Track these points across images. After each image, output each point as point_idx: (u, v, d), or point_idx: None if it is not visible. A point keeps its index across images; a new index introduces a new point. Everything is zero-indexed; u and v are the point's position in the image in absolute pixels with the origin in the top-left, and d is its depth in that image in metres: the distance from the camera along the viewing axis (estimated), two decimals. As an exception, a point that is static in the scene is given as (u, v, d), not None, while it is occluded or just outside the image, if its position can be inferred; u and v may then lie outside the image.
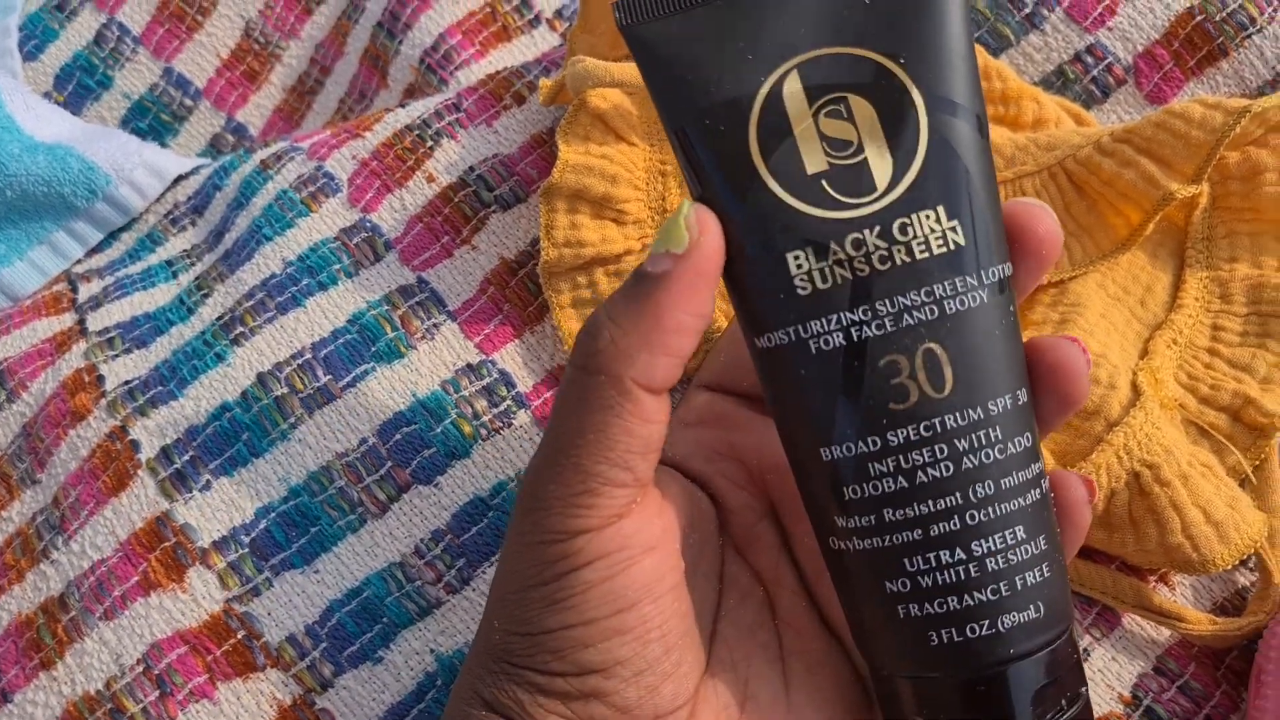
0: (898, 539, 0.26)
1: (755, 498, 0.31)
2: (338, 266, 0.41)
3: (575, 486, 0.26)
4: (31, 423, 0.40)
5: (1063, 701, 0.26)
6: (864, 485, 0.26)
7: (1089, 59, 0.43)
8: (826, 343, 0.25)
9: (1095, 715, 0.34)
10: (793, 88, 0.26)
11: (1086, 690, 0.27)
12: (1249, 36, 0.42)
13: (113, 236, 0.49)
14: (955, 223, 0.25)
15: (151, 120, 0.57)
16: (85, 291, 0.45)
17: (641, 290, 0.25)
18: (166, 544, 0.36)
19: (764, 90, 0.26)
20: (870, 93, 0.26)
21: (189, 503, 0.37)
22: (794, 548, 0.31)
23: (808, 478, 0.27)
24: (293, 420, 0.38)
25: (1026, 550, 0.26)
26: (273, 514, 0.36)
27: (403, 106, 0.46)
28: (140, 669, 0.34)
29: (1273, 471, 0.37)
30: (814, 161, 0.26)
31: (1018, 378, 0.26)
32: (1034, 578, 0.26)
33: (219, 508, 0.37)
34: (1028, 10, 0.43)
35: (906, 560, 0.26)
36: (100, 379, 0.40)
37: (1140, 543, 0.34)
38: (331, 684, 0.34)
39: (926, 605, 0.26)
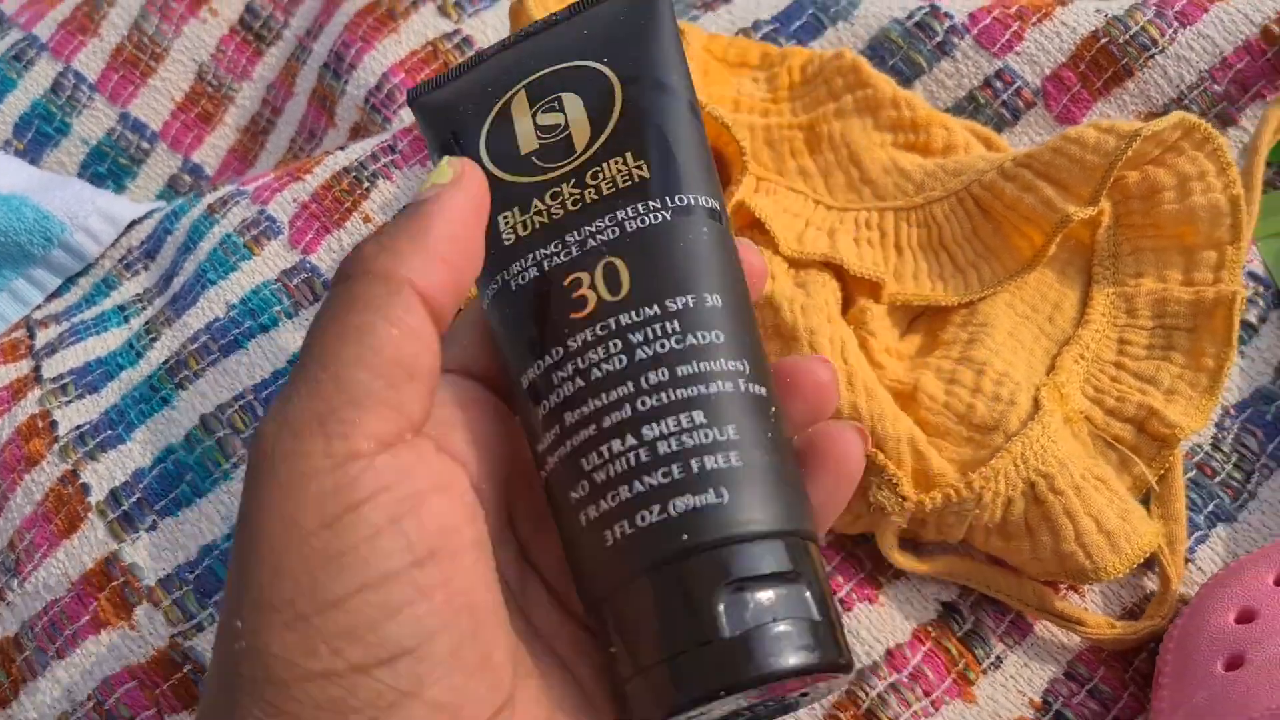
0: (576, 441, 0.26)
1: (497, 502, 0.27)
2: (278, 308, 0.42)
3: (335, 400, 0.22)
4: (-11, 468, 0.42)
5: (771, 618, 0.24)
6: (550, 397, 0.27)
7: (998, 83, 0.45)
8: (523, 279, 0.28)
9: (1000, 715, 0.36)
10: (519, 101, 0.30)
11: (828, 637, 0.24)
12: (1152, 57, 0.44)
13: (70, 282, 0.51)
14: (641, 162, 0.29)
15: (110, 164, 0.58)
16: (42, 338, 0.47)
17: (409, 209, 0.25)
18: (115, 583, 0.38)
19: (496, 107, 0.30)
20: (579, 87, 0.30)
21: (136, 543, 0.38)
22: (534, 560, 0.28)
23: (521, 413, 0.28)
24: (235, 460, 0.39)
25: (708, 435, 0.25)
26: (215, 552, 0.38)
27: (342, 149, 0.47)
28: (91, 704, 0.36)
29: (1176, 481, 0.38)
30: (527, 145, 0.30)
31: (706, 285, 0.27)
32: (715, 463, 0.25)
33: (164, 547, 0.38)
34: (938, 38, 0.45)
35: (584, 460, 0.26)
36: (53, 424, 0.42)
37: (1035, 550, 0.35)
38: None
39: (601, 503, 0.25)
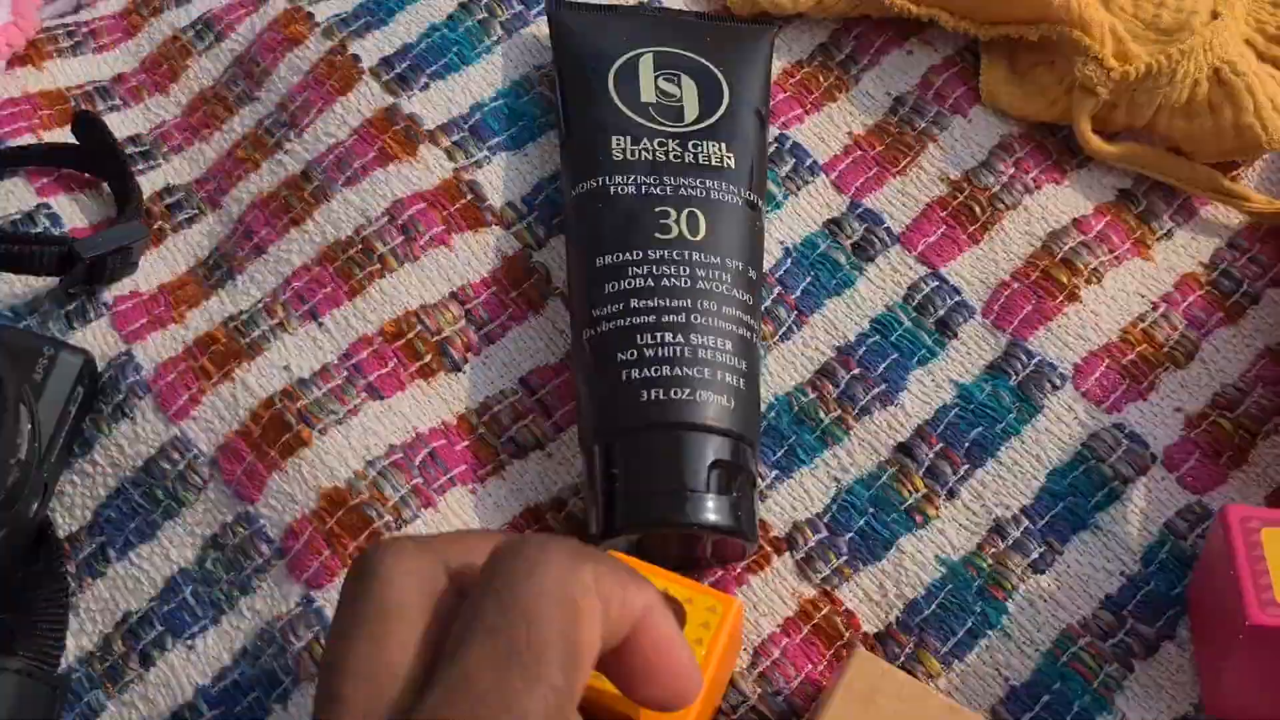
0: (636, 321, 0.36)
1: None
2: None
3: None
4: (244, 55, 0.46)
5: (732, 493, 0.34)
6: (620, 282, 0.36)
7: None
8: (622, 190, 0.38)
9: (1174, 278, 0.41)
10: (645, 60, 0.41)
11: (753, 521, 0.35)
12: None
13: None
14: (731, 155, 0.39)
15: None
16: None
17: None
18: (397, 127, 0.42)
19: (628, 55, 0.41)
20: (697, 77, 0.41)
21: (412, 99, 0.42)
22: None
23: (580, 283, 0.37)
24: (497, 37, 0.43)
25: (731, 359, 0.36)
26: (485, 108, 0.42)
27: None
28: (385, 219, 0.40)
29: (1324, 95, 0.44)
30: (647, 95, 0.40)
31: (753, 260, 0.38)
32: (730, 379, 0.35)
33: (439, 102, 0.42)
34: None
35: (639, 335, 0.36)
36: (309, 15, 0.45)
37: (1217, 124, 0.41)
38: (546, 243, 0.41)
39: (646, 370, 0.35)
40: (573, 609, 0.22)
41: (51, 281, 0.41)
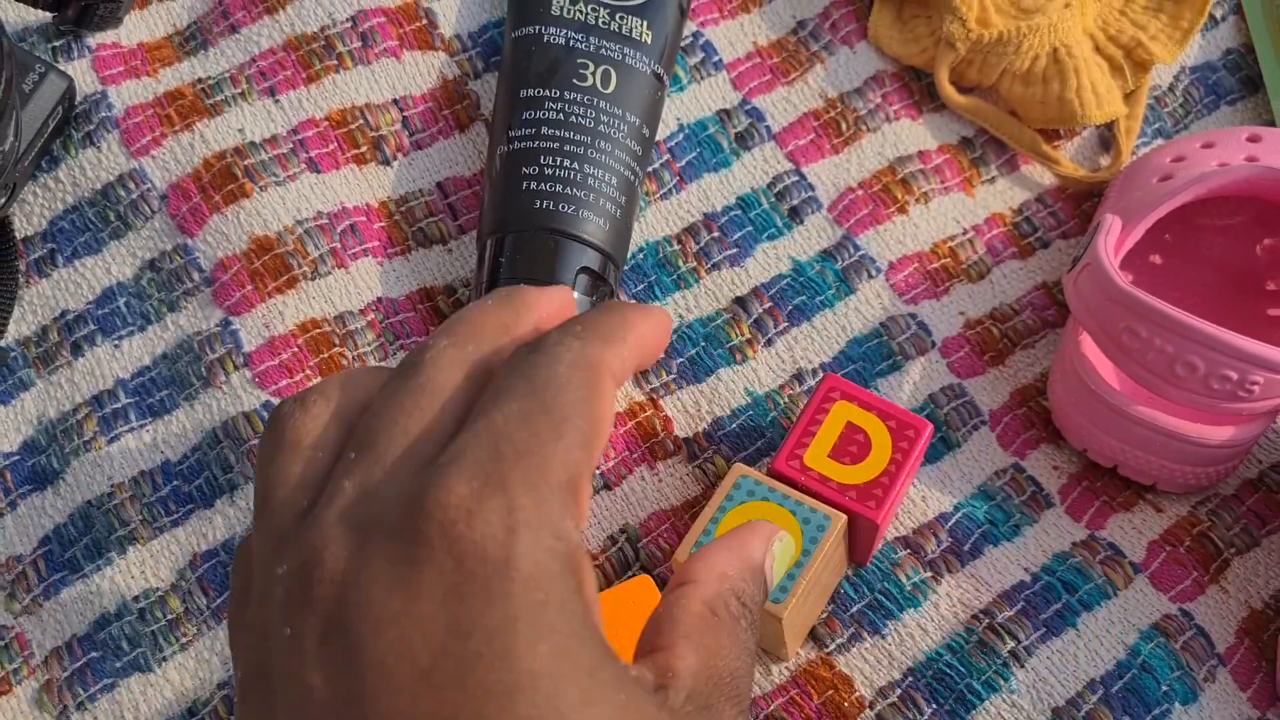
0: (543, 145, 0.43)
1: None
2: None
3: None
4: None
5: (583, 295, 0.42)
6: (536, 111, 0.44)
7: None
8: (555, 39, 0.45)
9: (986, 214, 0.50)
10: None
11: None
12: None
13: None
14: (650, 31, 0.46)
15: None
16: None
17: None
18: (372, -51, 0.48)
19: None
20: None
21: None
22: None
23: (505, 108, 0.45)
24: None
25: (612, 193, 0.44)
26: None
27: None
28: (348, 24, 0.47)
29: (1142, 93, 0.53)
30: None
31: (649, 120, 0.46)
32: (610, 207, 0.43)
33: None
34: None
35: (544, 156, 0.43)
36: None
37: (1045, 95, 0.49)
38: (482, 74, 0.48)
39: (543, 185, 0.43)
40: (594, 379, 0.25)
41: (44, 16, 0.47)
